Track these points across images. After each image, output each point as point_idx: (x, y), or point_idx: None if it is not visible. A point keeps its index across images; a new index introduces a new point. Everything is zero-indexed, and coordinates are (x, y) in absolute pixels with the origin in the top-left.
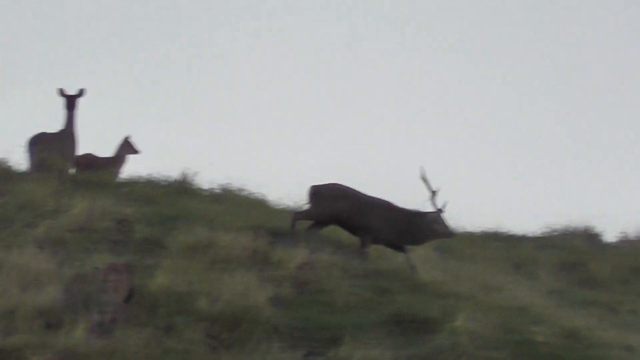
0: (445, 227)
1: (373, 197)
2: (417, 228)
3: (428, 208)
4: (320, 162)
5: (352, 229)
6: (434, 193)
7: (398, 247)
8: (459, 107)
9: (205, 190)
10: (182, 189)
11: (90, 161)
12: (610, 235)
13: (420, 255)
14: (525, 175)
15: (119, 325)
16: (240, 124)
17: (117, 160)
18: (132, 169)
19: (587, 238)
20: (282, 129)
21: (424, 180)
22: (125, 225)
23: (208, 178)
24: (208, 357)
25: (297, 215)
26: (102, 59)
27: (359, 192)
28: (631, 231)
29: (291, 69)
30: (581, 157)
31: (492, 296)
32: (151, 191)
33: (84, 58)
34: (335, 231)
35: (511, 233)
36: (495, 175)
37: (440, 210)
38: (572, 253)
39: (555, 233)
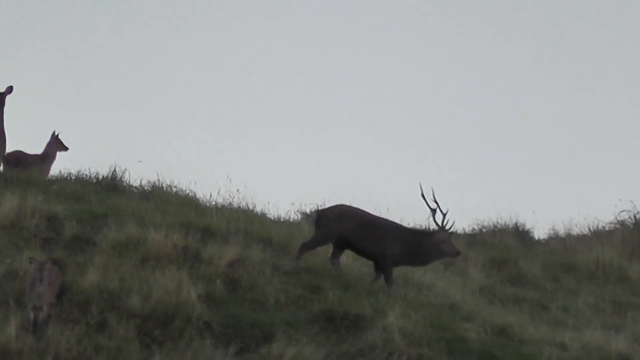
0: (452, 246)
1: (380, 218)
2: (424, 248)
3: (432, 227)
4: (250, 160)
5: (362, 252)
6: (434, 211)
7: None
8: (386, 107)
9: (135, 187)
10: (112, 186)
11: (19, 159)
12: (540, 232)
13: (351, 252)
14: (454, 173)
15: (51, 323)
16: (170, 121)
17: (46, 157)
18: (61, 166)
19: (517, 235)
20: (212, 126)
21: (425, 199)
22: (55, 222)
23: (138, 175)
24: (140, 354)
25: (305, 245)
26: (30, 55)
27: (365, 212)
28: (561, 228)
29: (220, 61)
30: (510, 154)
31: (423, 293)
32: (81, 188)
33: (10, 55)
34: (265, 229)
35: None
36: (425, 172)
37: (447, 230)
38: (502, 250)
39: (485, 230)
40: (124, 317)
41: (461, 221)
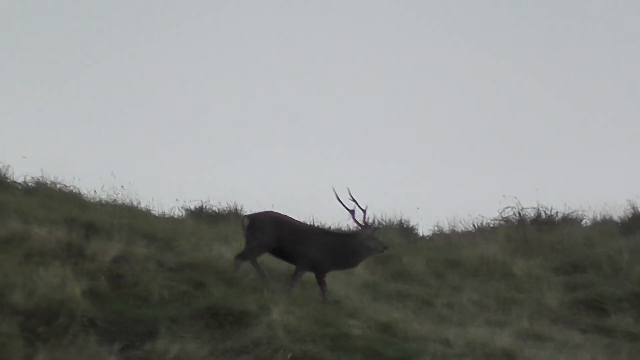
0: (379, 242)
1: (306, 224)
2: (351, 249)
3: (354, 227)
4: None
5: (288, 257)
6: (353, 211)
7: (320, 276)
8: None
9: (18, 183)
10: None
11: None
12: (424, 228)
13: (235, 248)
14: (336, 170)
15: None
16: (54, 117)
17: None
18: None
19: (402, 231)
20: (96, 122)
21: (352, 198)
22: None
23: (22, 171)
24: (24, 351)
25: (240, 256)
26: None
27: (293, 219)
28: (445, 225)
29: (117, 55)
30: (393, 151)
31: (307, 290)
32: None
33: None
34: (149, 225)
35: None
36: (305, 169)
37: (369, 227)
38: None
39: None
40: (7, 314)
41: (345, 218)
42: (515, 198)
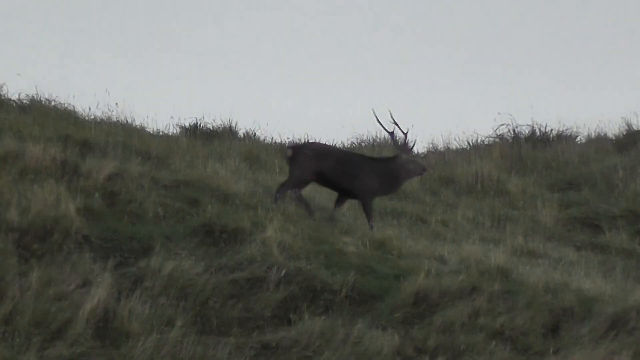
0: (418, 164)
1: (350, 152)
2: (394, 174)
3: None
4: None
5: (336, 187)
6: (392, 133)
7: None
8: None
9: (13, 100)
10: None
11: None
12: (419, 146)
13: (230, 166)
14: (337, 87)
15: None
16: (49, 34)
17: None
18: None
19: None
20: (91, 39)
21: (394, 121)
22: None
23: (16, 89)
24: (19, 267)
25: (284, 185)
26: None
27: (337, 149)
28: (440, 142)
29: None
30: (387, 66)
31: (301, 207)
32: None
33: None
34: (144, 142)
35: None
36: (307, 87)
37: (408, 149)
38: None
39: (365, 145)
40: (2, 231)
41: (340, 135)
42: (510, 115)
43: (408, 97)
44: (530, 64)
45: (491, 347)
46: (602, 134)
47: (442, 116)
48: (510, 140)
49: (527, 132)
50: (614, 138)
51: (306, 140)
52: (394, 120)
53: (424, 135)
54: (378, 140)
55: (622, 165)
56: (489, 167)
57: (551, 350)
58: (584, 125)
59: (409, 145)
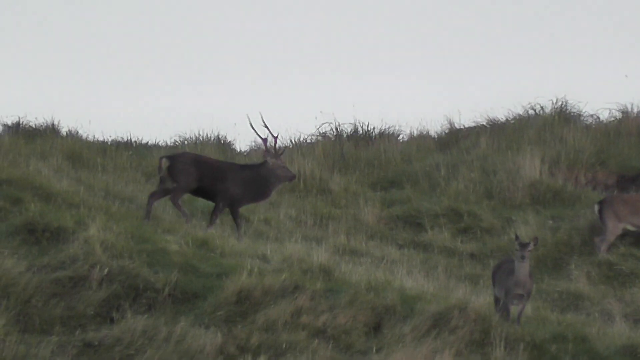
0: (287, 170)
1: (223, 162)
2: (263, 180)
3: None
4: None
5: (208, 195)
6: (265, 139)
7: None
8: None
9: None
10: None
11: None
12: (241, 144)
13: (52, 165)
14: (161, 87)
15: None
16: None
17: None
18: None
19: (219, 147)
20: None
21: (265, 125)
22: None
23: None
24: None
25: (175, 196)
26: None
27: (210, 158)
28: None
29: None
30: (214, 68)
31: (125, 206)
32: None
33: None
34: None
35: (142, 142)
36: (126, 84)
37: (278, 155)
38: None
39: (188, 143)
40: None
41: (163, 134)
42: (333, 114)
43: (232, 96)
44: (352, 64)
45: (313, 345)
46: (425, 132)
47: (266, 115)
48: (333, 139)
49: (349, 130)
50: (436, 136)
51: (178, 152)
52: (265, 124)
53: (246, 133)
54: (201, 139)
55: (444, 164)
56: (312, 165)
57: (374, 349)
58: (407, 123)
59: (278, 150)
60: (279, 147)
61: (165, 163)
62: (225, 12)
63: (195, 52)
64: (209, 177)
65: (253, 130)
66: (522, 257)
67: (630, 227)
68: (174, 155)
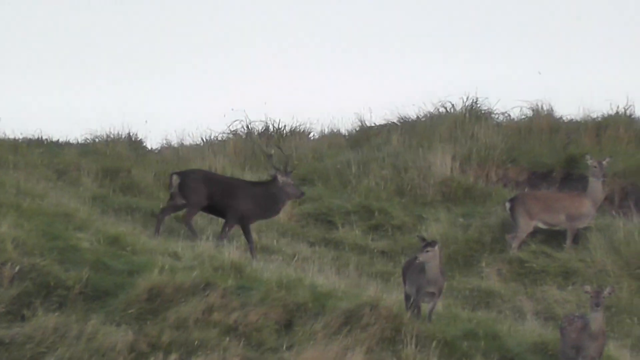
0: (295, 188)
1: (233, 178)
2: (273, 197)
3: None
4: None
5: (218, 212)
6: (270, 156)
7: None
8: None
9: None
10: None
11: None
12: (152, 142)
13: None
14: (66, 82)
15: None
16: None
17: None
18: None
19: (130, 144)
20: None
21: (278, 146)
22: None
23: None
24: None
25: (189, 216)
26: None
27: (219, 175)
28: (173, 138)
29: None
30: (118, 63)
31: (36, 202)
32: None
33: None
34: None
35: (53, 139)
36: (37, 80)
37: (287, 173)
38: (114, 159)
39: (98, 140)
40: None
41: (73, 130)
42: (244, 111)
43: (143, 93)
44: (263, 61)
45: (225, 343)
46: (336, 130)
47: (176, 112)
48: (244, 136)
49: (260, 127)
50: (347, 134)
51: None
52: (278, 145)
53: (158, 131)
54: (112, 136)
55: (355, 161)
56: (223, 162)
57: (285, 346)
58: (318, 121)
59: (288, 169)
60: (289, 166)
61: (175, 180)
62: (135, 8)
63: (106, 49)
64: (218, 193)
65: (260, 148)
66: (425, 254)
67: (541, 225)
68: (185, 172)
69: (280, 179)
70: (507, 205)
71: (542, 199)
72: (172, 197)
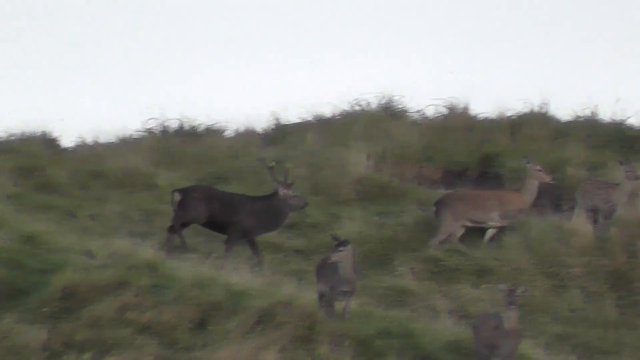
0: (299, 199)
1: (235, 194)
2: (276, 210)
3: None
4: None
5: (219, 228)
6: (272, 168)
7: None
8: None
9: None
10: None
11: None
12: (68, 140)
13: None
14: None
15: None
16: None
17: None
18: None
19: (44, 142)
20: None
21: (261, 160)
22: None
23: None
24: None
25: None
26: None
27: (220, 191)
28: (88, 136)
29: None
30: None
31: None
32: None
33: None
34: None
35: None
36: None
37: (288, 184)
38: (29, 158)
39: (13, 137)
40: None
41: None
42: (160, 109)
43: (56, 91)
44: (179, 59)
45: (139, 341)
46: (251, 128)
47: (92, 110)
48: (159, 135)
49: (176, 126)
50: (262, 132)
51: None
52: (274, 163)
53: (73, 129)
54: (27, 135)
55: (270, 160)
56: (138, 161)
57: (199, 345)
58: (233, 119)
59: (288, 181)
60: (288, 178)
61: (176, 197)
62: (50, 4)
63: (19, 45)
64: (220, 210)
65: (260, 161)
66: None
67: (469, 224)
68: (186, 189)
69: (282, 191)
70: (434, 208)
71: (469, 198)
72: (175, 214)
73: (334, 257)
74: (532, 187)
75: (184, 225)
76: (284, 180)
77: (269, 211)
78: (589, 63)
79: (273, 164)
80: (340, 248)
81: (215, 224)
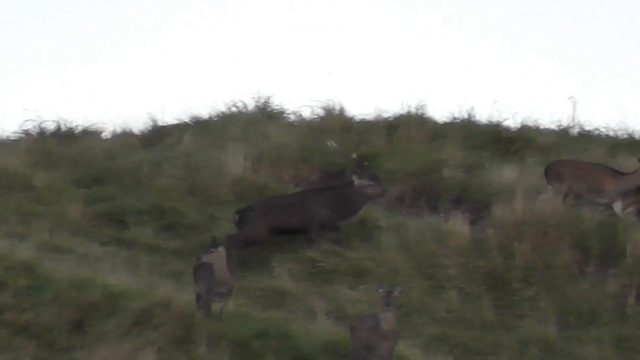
0: (375, 188)
1: (294, 194)
2: (349, 199)
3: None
4: None
5: (296, 231)
6: (353, 159)
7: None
8: None
9: None
10: None
11: None
12: None
13: None
14: None
15: None
16: None
17: None
18: None
19: None
20: None
21: (333, 146)
22: None
23: None
24: None
25: (233, 240)
26: None
27: (280, 197)
28: None
29: None
30: None
31: None
32: None
33: None
34: None
35: None
36: None
37: (365, 173)
38: None
39: None
40: None
41: None
42: (37, 111)
43: None
44: (57, 60)
45: (16, 342)
46: (128, 130)
47: None
48: (36, 136)
49: (53, 127)
50: (140, 134)
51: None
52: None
53: None
54: None
55: (147, 161)
56: (15, 162)
57: (77, 346)
58: (110, 121)
59: (364, 170)
60: (366, 167)
61: (235, 218)
62: None
63: None
64: (285, 216)
65: (334, 148)
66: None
67: None
68: (243, 210)
69: (357, 181)
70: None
71: None
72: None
73: (205, 258)
74: None
75: (249, 244)
76: (359, 170)
77: (342, 200)
78: (466, 65)
79: (354, 155)
80: (212, 249)
81: (290, 230)
